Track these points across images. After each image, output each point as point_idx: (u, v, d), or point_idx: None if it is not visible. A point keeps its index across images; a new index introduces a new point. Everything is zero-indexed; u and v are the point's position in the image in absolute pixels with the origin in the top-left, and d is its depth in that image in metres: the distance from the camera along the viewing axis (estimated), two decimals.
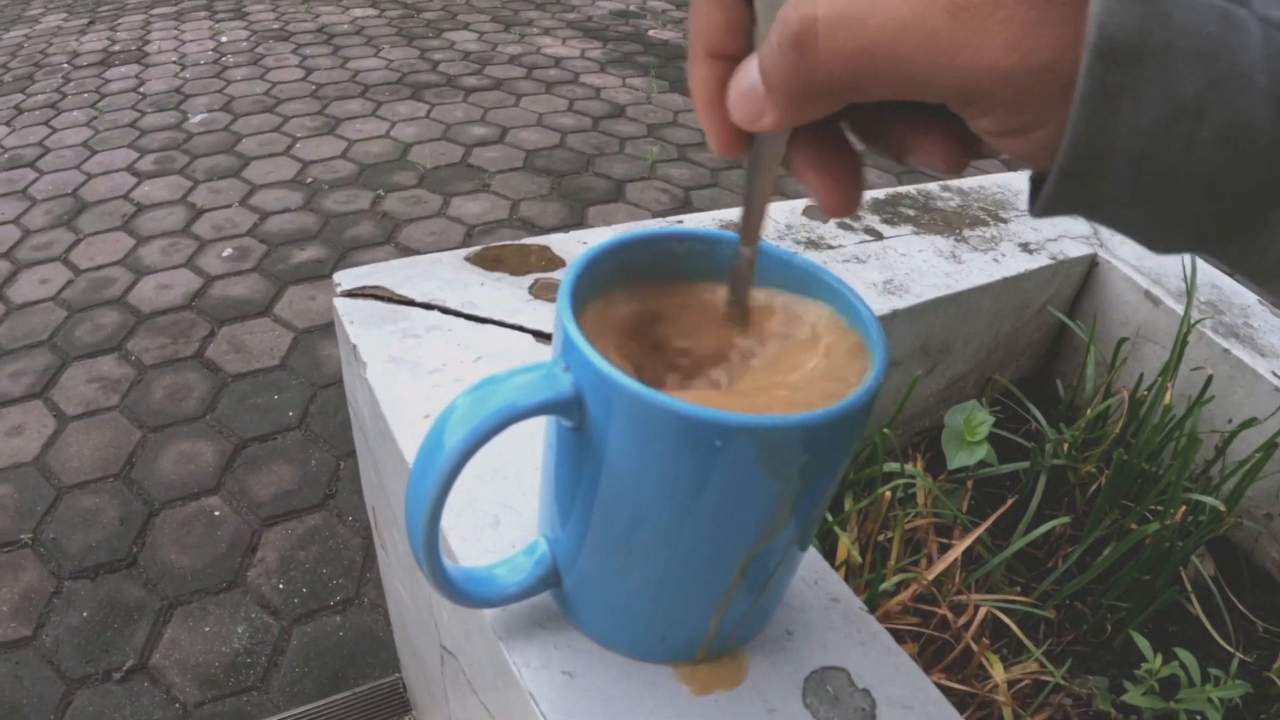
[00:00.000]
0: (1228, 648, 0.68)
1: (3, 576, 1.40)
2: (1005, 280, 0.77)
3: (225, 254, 2.25)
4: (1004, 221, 0.86)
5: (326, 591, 1.40)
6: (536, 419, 0.30)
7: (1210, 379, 0.72)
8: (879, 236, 0.79)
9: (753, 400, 0.31)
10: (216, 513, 1.53)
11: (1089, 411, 0.78)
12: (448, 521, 0.42)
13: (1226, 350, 0.76)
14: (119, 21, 4.07)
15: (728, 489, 0.29)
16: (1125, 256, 0.85)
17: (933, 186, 0.92)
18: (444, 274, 0.62)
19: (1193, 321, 0.76)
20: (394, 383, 0.51)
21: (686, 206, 2.58)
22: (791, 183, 2.21)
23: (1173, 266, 0.85)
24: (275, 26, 4.01)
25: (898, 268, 0.75)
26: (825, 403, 0.28)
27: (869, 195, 0.87)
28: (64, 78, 3.36)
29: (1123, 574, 0.67)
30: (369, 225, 2.40)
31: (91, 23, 4.06)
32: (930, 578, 0.61)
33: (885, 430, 0.65)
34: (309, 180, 2.62)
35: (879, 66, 0.19)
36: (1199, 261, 0.84)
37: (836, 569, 0.52)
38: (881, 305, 0.70)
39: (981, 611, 0.61)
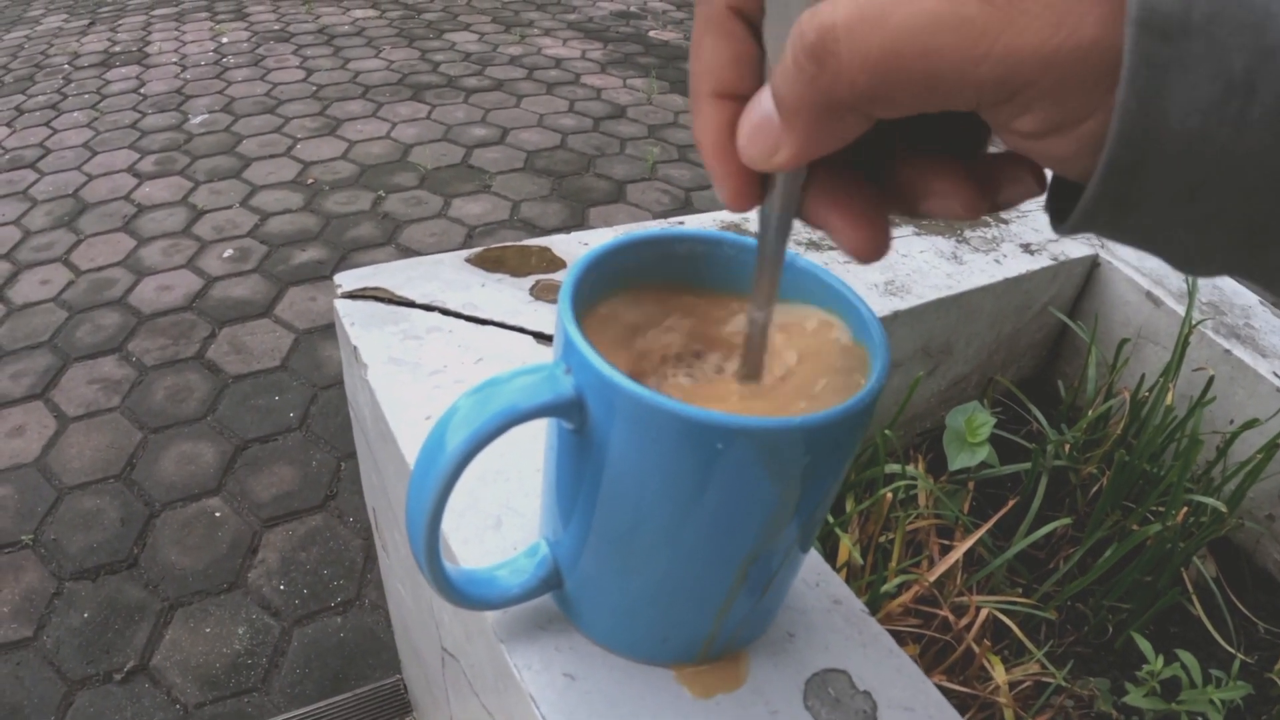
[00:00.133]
0: (1229, 649, 0.68)
1: (4, 577, 1.40)
2: (1007, 281, 0.77)
3: (226, 255, 2.25)
4: (1005, 222, 0.86)
5: (327, 593, 1.40)
6: (538, 421, 0.30)
7: (1212, 380, 0.72)
8: None
9: (754, 402, 0.31)
10: (217, 514, 1.53)
11: (1090, 412, 0.78)
12: (449, 523, 0.42)
13: (1228, 351, 0.76)
14: (120, 22, 4.07)
15: (729, 491, 0.29)
16: (1127, 257, 0.85)
17: None
18: (445, 275, 0.62)
19: (1194, 322, 0.76)
20: (395, 384, 0.51)
21: (687, 207, 2.58)
22: None
23: None
24: (276, 27, 4.01)
25: (899, 269, 0.75)
26: (826, 405, 0.28)
27: None
28: (65, 79, 3.37)
29: (1124, 575, 0.67)
30: (370, 226, 2.40)
31: (92, 24, 4.06)
32: (931, 579, 0.61)
33: (887, 431, 0.65)
34: (310, 181, 2.63)
35: (908, 66, 0.17)
36: None
37: (838, 571, 0.52)
38: (883, 306, 0.70)
39: (983, 613, 0.61)
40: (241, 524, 1.51)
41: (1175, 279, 0.84)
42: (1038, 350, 0.91)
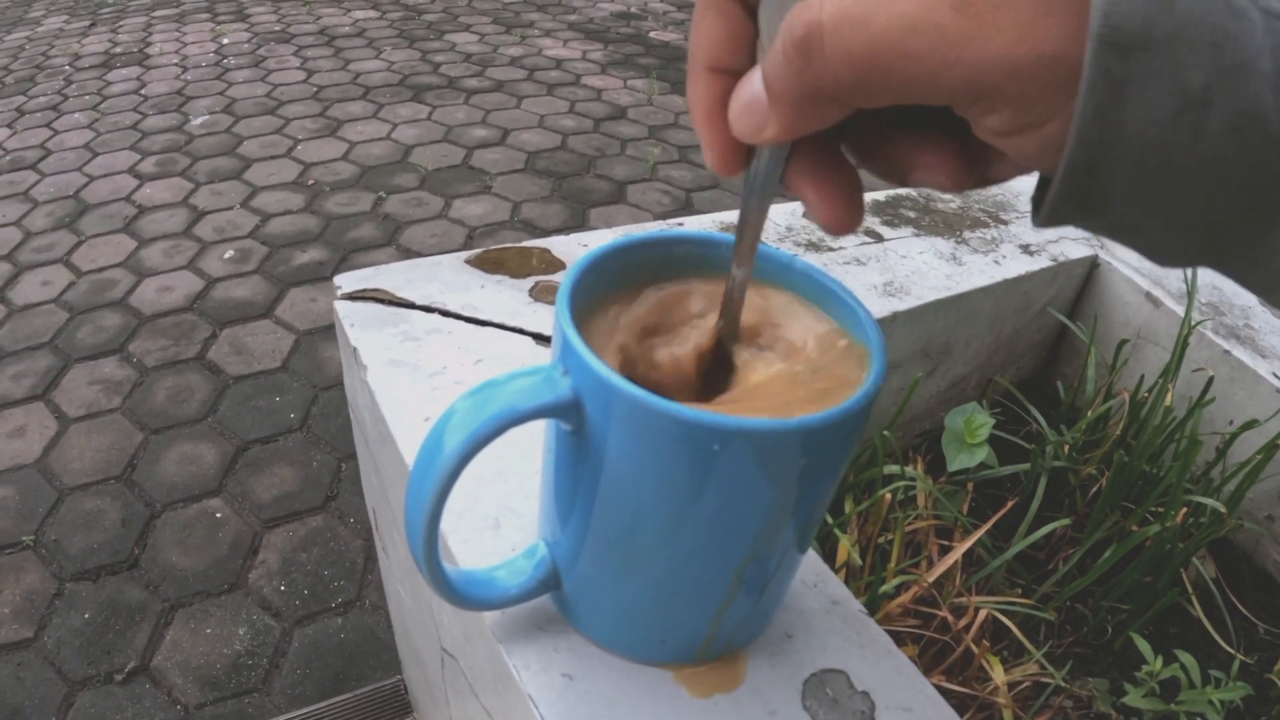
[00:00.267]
0: (1229, 649, 0.68)
1: (4, 578, 1.40)
2: (1006, 282, 0.77)
3: (227, 256, 2.25)
4: (1004, 223, 0.86)
5: (328, 593, 1.40)
6: (537, 422, 0.30)
7: (1211, 380, 0.72)
8: (879, 238, 0.79)
9: (751, 404, 0.31)
10: (218, 514, 1.53)
11: (1090, 413, 0.78)
12: (448, 524, 0.42)
13: (1227, 352, 0.76)
14: (120, 24, 4.08)
15: (726, 492, 0.29)
16: (1126, 258, 0.85)
17: None
18: (445, 276, 0.62)
19: (1194, 323, 0.76)
20: (394, 385, 0.51)
21: (688, 208, 2.58)
22: None
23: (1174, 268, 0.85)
24: (277, 29, 4.01)
25: (898, 270, 0.75)
26: (824, 406, 0.28)
27: (870, 197, 0.87)
28: (65, 80, 3.37)
29: (1123, 576, 0.67)
30: (370, 227, 2.40)
31: (93, 25, 4.07)
32: (930, 580, 0.61)
33: (885, 432, 0.65)
34: (310, 182, 2.63)
35: (886, 66, 0.19)
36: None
37: (836, 571, 0.52)
38: (882, 307, 0.70)
39: (982, 614, 0.61)
40: (242, 525, 1.51)
41: (1175, 280, 0.84)
42: (1037, 351, 0.91)
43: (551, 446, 0.33)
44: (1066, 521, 0.69)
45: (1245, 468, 0.69)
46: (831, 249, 0.77)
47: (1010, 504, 0.69)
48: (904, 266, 0.76)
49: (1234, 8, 0.17)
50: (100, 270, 2.18)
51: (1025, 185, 0.94)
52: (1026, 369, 0.91)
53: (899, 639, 0.59)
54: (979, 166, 0.23)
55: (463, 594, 0.35)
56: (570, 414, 0.29)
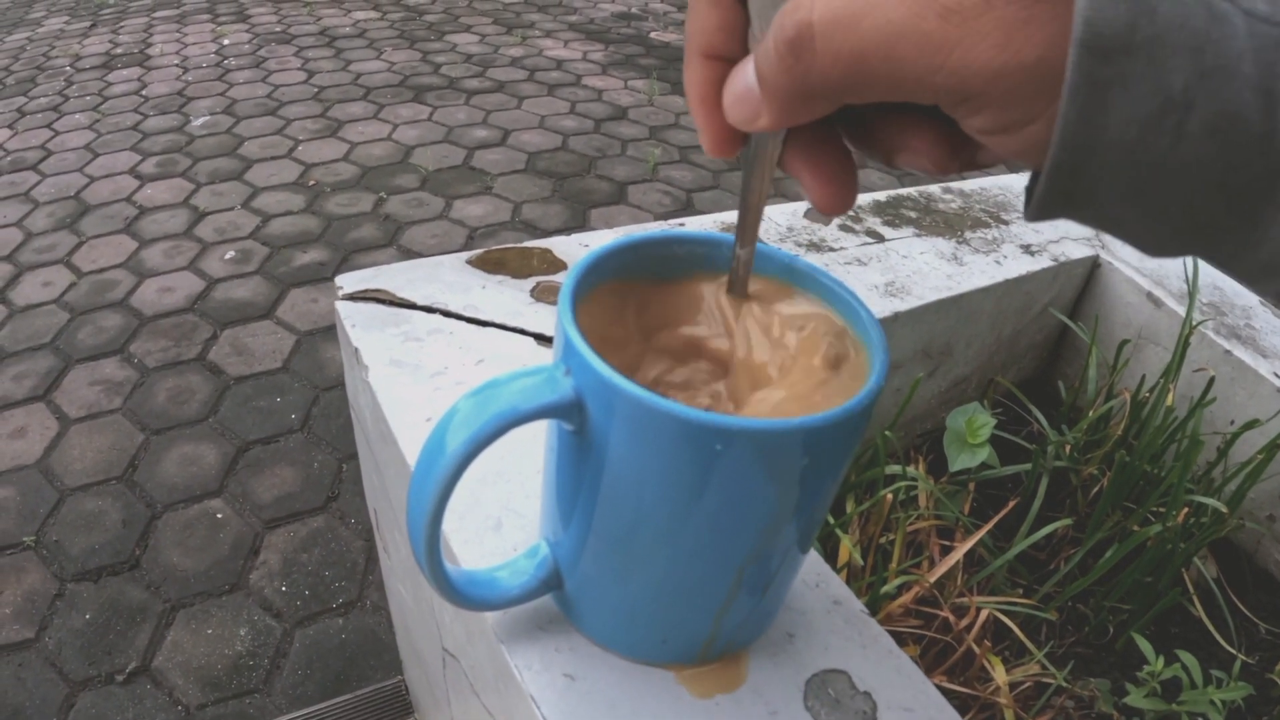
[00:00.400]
0: (1230, 649, 0.67)
1: (5, 579, 1.40)
2: (1007, 282, 0.77)
3: (227, 257, 2.25)
4: (1005, 223, 0.86)
5: (329, 594, 1.40)
6: (539, 422, 0.30)
7: (1212, 380, 0.72)
8: (880, 239, 0.79)
9: (753, 404, 0.31)
10: (219, 515, 1.53)
11: (1091, 413, 0.78)
12: (449, 524, 0.42)
13: (1228, 352, 0.76)
14: (121, 24, 4.08)
15: (728, 492, 0.29)
16: (1127, 258, 0.85)
17: (934, 189, 0.92)
18: (446, 277, 0.62)
19: (1195, 323, 0.76)
20: (396, 386, 0.51)
21: (688, 209, 2.58)
22: (792, 184, 2.21)
23: (1174, 268, 0.85)
24: (277, 29, 4.01)
25: (899, 270, 0.75)
26: (826, 406, 0.28)
27: (870, 197, 0.87)
28: (66, 81, 3.37)
29: (1125, 576, 0.67)
30: (371, 228, 2.41)
31: (94, 26, 4.07)
32: (932, 580, 0.61)
33: (887, 433, 0.65)
34: (311, 183, 2.63)
35: (874, 68, 0.19)
36: (1201, 263, 0.84)
37: (838, 571, 0.52)
38: (883, 307, 0.70)
39: (983, 614, 0.61)
40: (243, 525, 1.51)
41: (1176, 280, 0.84)
42: (1038, 351, 0.91)
43: (553, 446, 0.33)
44: (1068, 521, 0.69)
45: (1246, 468, 0.68)
46: (833, 249, 0.77)
47: (1012, 504, 0.69)
48: (905, 267, 0.76)
49: (1215, 11, 0.17)
50: (101, 271, 2.18)
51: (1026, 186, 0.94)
52: (1028, 369, 0.91)
53: (900, 639, 0.59)
54: (964, 152, 0.23)
55: (464, 594, 0.35)
56: (572, 414, 0.29)
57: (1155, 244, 0.21)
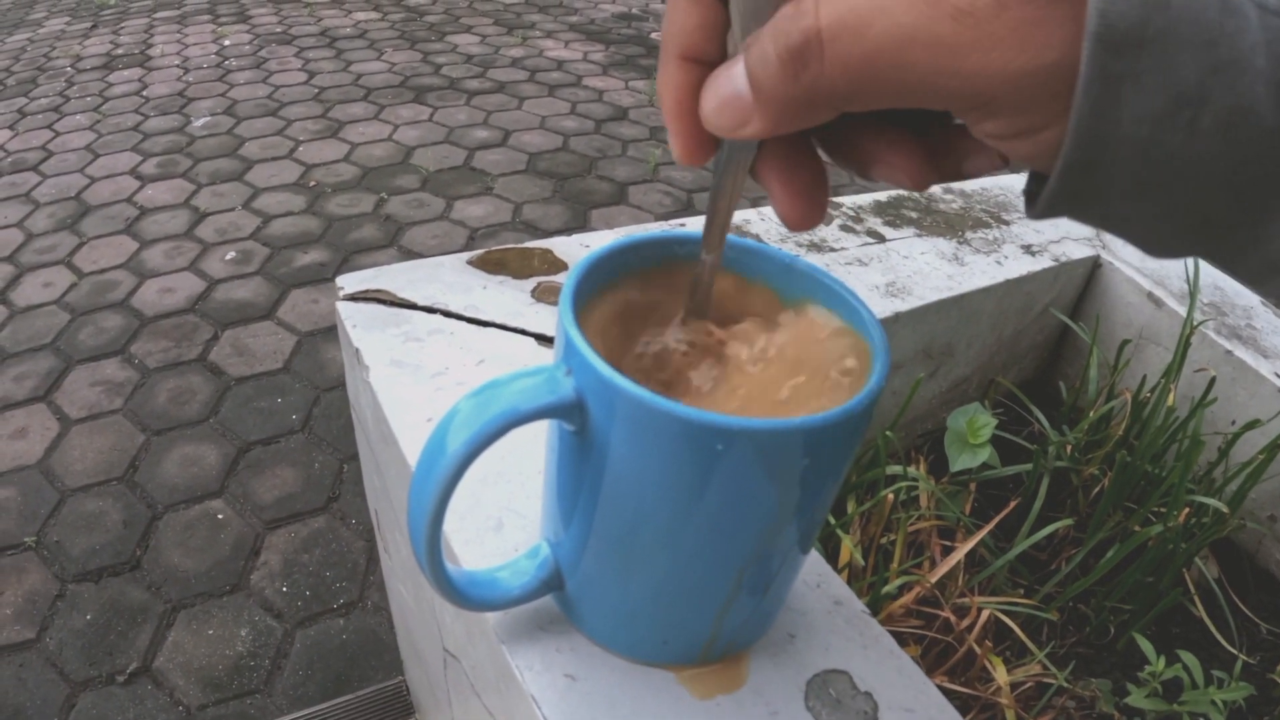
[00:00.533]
0: (1231, 650, 0.67)
1: (6, 579, 1.40)
2: (1008, 282, 0.77)
3: (228, 257, 2.25)
4: (1006, 223, 0.86)
5: (330, 594, 1.40)
6: (539, 422, 0.30)
7: (1213, 380, 0.72)
8: (881, 239, 0.79)
9: (754, 404, 0.31)
10: (220, 516, 1.53)
11: (1092, 414, 0.78)
12: (450, 525, 0.42)
13: (1229, 352, 0.76)
14: (122, 25, 4.08)
15: (729, 493, 0.29)
16: (1128, 258, 0.85)
17: (935, 189, 0.92)
18: (446, 277, 0.62)
19: (1195, 323, 0.76)
20: (396, 386, 0.51)
21: (689, 209, 2.58)
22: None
23: (1175, 268, 0.85)
24: (278, 30, 4.02)
25: (900, 270, 0.75)
26: (826, 406, 0.28)
27: (871, 198, 0.87)
28: (67, 81, 3.37)
29: (1126, 576, 0.67)
30: (372, 228, 2.41)
31: (94, 27, 4.07)
32: (933, 580, 0.61)
33: (888, 433, 0.65)
34: (312, 183, 2.63)
35: (884, 74, 0.19)
36: (1202, 263, 0.84)
37: (839, 572, 0.52)
38: (884, 308, 0.70)
39: (984, 614, 0.61)
40: (244, 526, 1.51)
41: (1177, 280, 0.84)
42: (1039, 351, 0.91)
43: (554, 447, 0.33)
44: (1069, 522, 0.69)
45: (1247, 468, 0.68)
46: (834, 249, 0.77)
47: (1013, 504, 0.69)
48: (906, 267, 0.76)
49: (1228, 4, 0.17)
50: (102, 272, 2.18)
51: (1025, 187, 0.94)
52: (1028, 369, 0.91)
53: (902, 639, 0.59)
54: (943, 164, 0.23)
55: (465, 594, 0.35)
56: (573, 414, 0.29)
57: (1159, 243, 0.20)
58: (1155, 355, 0.82)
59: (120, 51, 3.71)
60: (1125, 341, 0.80)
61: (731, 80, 0.22)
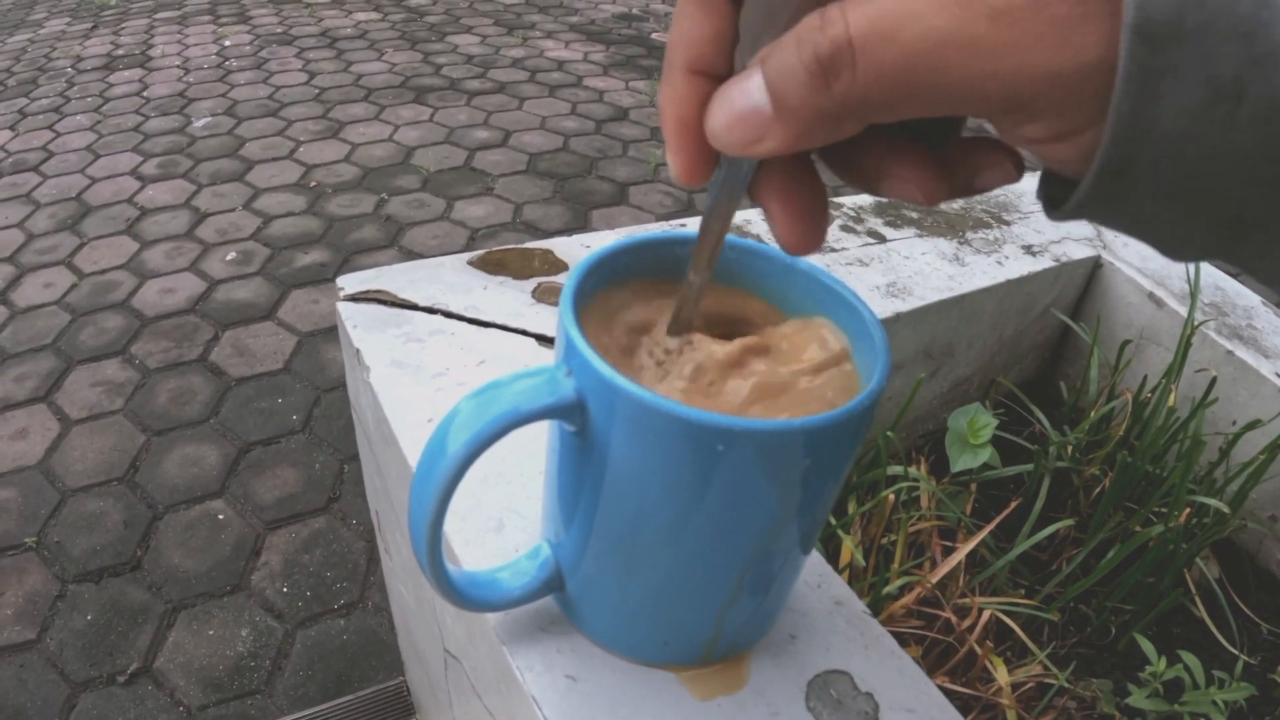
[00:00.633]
0: (1232, 650, 0.67)
1: (7, 580, 1.40)
2: (1009, 283, 0.77)
3: (229, 258, 2.25)
4: (1007, 224, 0.86)
5: (330, 595, 1.40)
6: (540, 423, 0.30)
7: (1214, 381, 0.72)
8: (882, 239, 0.79)
9: (755, 404, 0.31)
10: (220, 516, 1.53)
11: (1092, 414, 0.78)
12: (451, 525, 0.42)
13: (1230, 352, 0.76)
14: (122, 26, 4.08)
15: (730, 493, 0.29)
16: (1129, 258, 0.85)
17: None
18: (447, 278, 0.62)
19: (1196, 323, 0.76)
20: (397, 387, 0.51)
21: (690, 209, 2.58)
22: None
23: (1176, 268, 0.85)
24: (278, 30, 4.02)
25: (901, 270, 0.75)
26: (827, 407, 0.28)
27: (872, 198, 0.87)
28: (68, 82, 3.37)
29: (1127, 576, 0.67)
30: (372, 229, 2.41)
31: (95, 27, 4.07)
32: (934, 581, 0.61)
33: (889, 433, 0.65)
34: (312, 184, 2.63)
35: (919, 80, 0.18)
36: (1203, 263, 0.84)
37: (840, 572, 0.52)
38: (884, 308, 0.70)
39: (985, 614, 0.61)
40: (244, 526, 1.51)
41: (1178, 280, 0.83)
42: (1040, 352, 0.91)
43: (555, 447, 0.33)
44: (1070, 522, 0.69)
45: (1248, 468, 0.68)
46: (834, 250, 0.77)
47: (1013, 505, 0.69)
48: (907, 267, 0.76)
49: None
50: (102, 272, 2.18)
51: (1027, 186, 0.94)
52: (1029, 370, 0.91)
53: (902, 640, 0.59)
54: (955, 178, 0.22)
55: (466, 595, 0.35)
56: (574, 415, 0.29)
57: (1184, 243, 0.20)
58: (1156, 355, 0.82)
59: (121, 52, 3.72)
60: (1126, 342, 0.80)
61: (746, 93, 0.20)
